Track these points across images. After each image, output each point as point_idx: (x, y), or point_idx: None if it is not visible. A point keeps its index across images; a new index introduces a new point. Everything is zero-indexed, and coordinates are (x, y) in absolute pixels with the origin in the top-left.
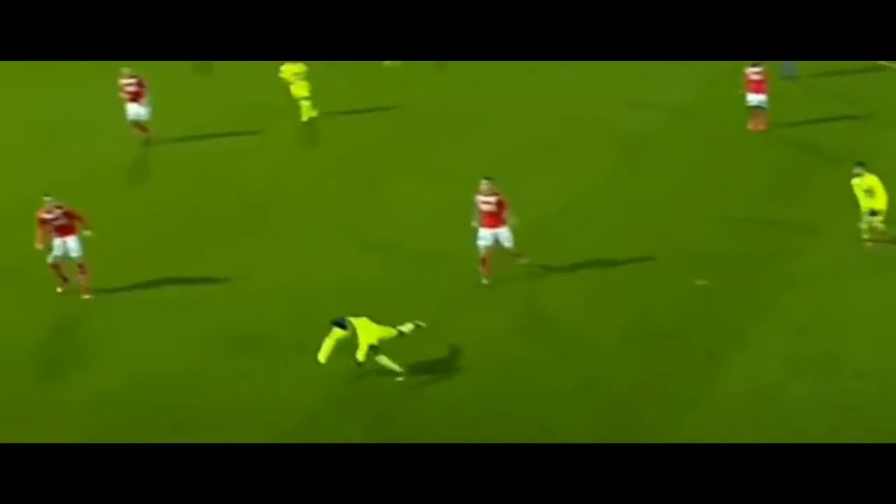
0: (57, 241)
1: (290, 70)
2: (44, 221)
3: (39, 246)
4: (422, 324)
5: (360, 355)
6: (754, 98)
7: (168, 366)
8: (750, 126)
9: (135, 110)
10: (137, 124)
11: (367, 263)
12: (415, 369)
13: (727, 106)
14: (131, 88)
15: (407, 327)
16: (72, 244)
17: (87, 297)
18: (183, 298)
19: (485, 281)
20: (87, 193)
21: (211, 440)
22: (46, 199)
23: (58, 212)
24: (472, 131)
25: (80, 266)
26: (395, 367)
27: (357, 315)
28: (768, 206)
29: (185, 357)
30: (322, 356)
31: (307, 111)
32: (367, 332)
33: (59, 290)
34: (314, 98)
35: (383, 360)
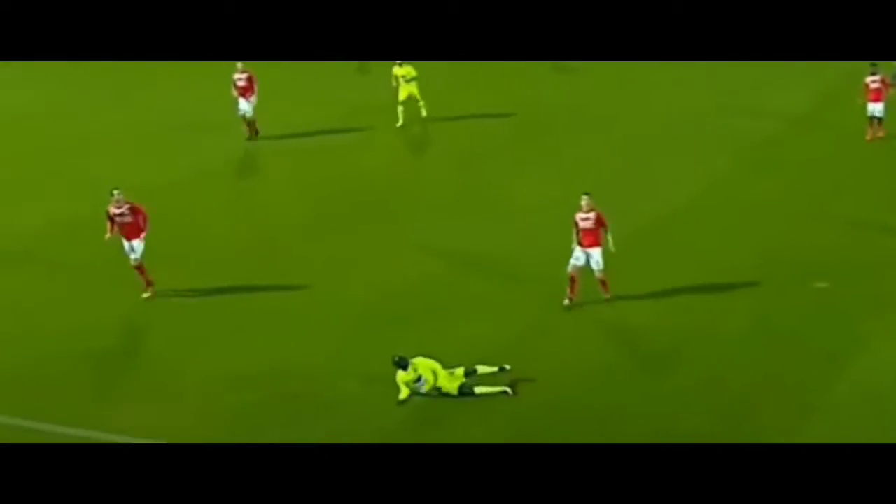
0: (124, 243)
1: (399, 72)
2: (112, 217)
3: (108, 236)
4: (507, 367)
5: (426, 388)
6: (872, 107)
7: (285, 357)
8: (868, 136)
9: (243, 106)
10: (246, 119)
11: (475, 260)
12: (530, 366)
13: (846, 112)
14: (241, 83)
15: (486, 369)
16: (136, 245)
17: (146, 295)
18: (304, 294)
19: (566, 302)
20: (205, 190)
21: (317, 437)
22: (115, 192)
23: (125, 206)
24: (583, 132)
25: (138, 267)
26: (497, 390)
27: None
28: (887, 213)
29: (309, 349)
30: (401, 395)
31: (423, 109)
32: (430, 373)
33: (144, 295)
34: (426, 98)
35: (484, 389)
